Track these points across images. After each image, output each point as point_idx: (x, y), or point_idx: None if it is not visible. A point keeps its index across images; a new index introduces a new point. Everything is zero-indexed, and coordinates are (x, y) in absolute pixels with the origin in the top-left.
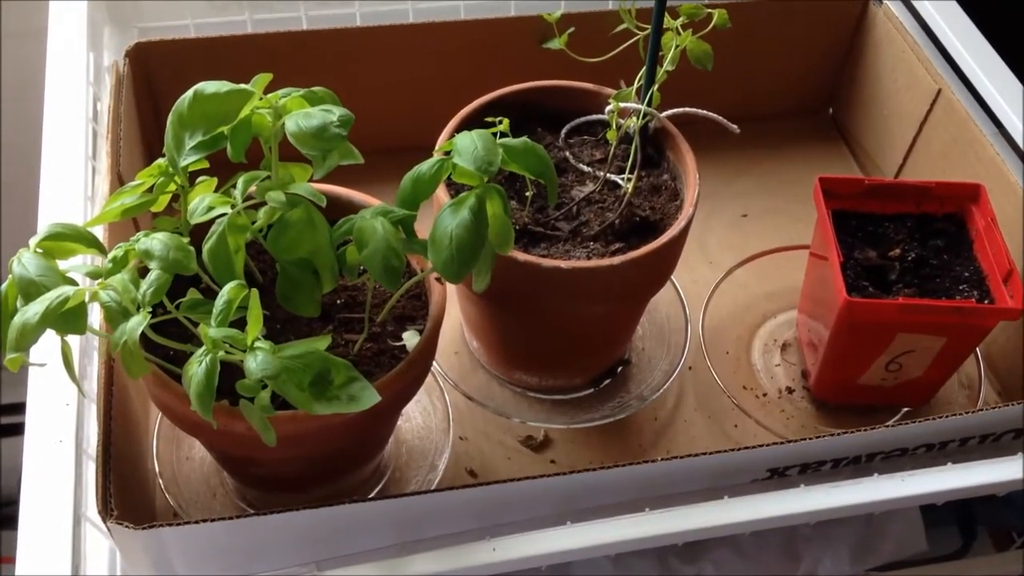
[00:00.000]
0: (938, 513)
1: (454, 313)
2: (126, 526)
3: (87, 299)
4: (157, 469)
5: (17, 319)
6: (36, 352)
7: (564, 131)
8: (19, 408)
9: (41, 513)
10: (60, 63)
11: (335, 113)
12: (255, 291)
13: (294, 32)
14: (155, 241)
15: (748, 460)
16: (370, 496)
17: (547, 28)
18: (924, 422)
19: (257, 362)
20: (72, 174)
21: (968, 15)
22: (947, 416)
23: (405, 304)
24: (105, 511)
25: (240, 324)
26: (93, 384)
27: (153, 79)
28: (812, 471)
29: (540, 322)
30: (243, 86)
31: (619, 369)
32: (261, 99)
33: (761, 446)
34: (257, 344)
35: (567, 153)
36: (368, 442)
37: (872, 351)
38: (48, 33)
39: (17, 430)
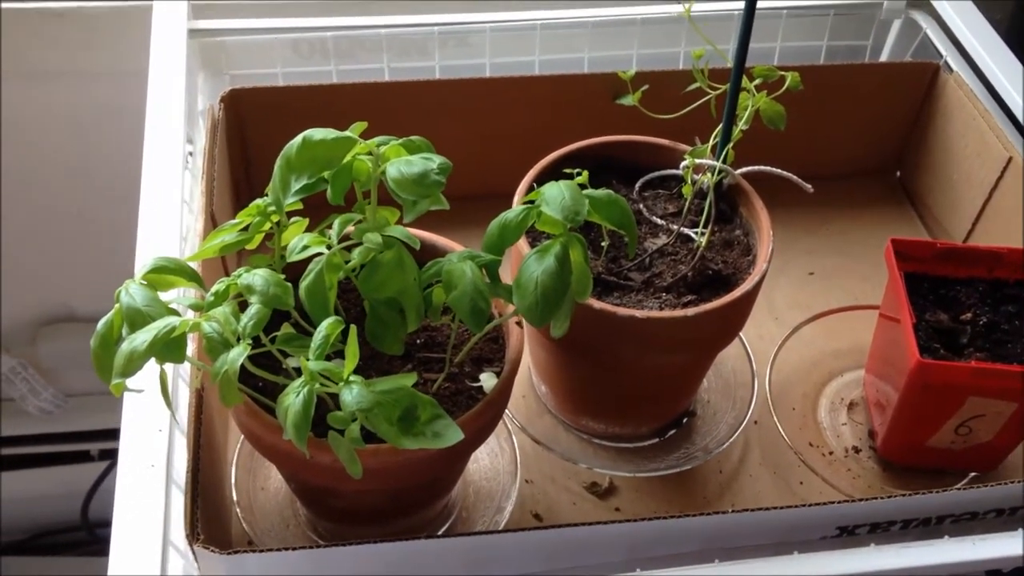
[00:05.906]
0: None
1: (523, 357)
2: (212, 551)
3: (188, 330)
4: (235, 497)
5: (125, 347)
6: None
7: (638, 184)
8: (18, 441)
9: (134, 537)
10: (161, 105)
11: (435, 161)
12: (354, 328)
13: (378, 83)
14: (256, 277)
15: (819, 516)
16: (439, 534)
17: (621, 85)
18: (997, 487)
19: (353, 395)
20: (169, 213)
21: None
22: (1021, 481)
23: (483, 346)
24: (192, 535)
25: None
26: (180, 412)
27: (244, 123)
28: (882, 531)
29: (610, 370)
30: (347, 133)
31: (684, 420)
32: (361, 146)
33: (832, 503)
34: (352, 378)
35: (641, 206)
36: (441, 479)
37: (942, 414)
38: (149, 77)
39: (15, 463)
